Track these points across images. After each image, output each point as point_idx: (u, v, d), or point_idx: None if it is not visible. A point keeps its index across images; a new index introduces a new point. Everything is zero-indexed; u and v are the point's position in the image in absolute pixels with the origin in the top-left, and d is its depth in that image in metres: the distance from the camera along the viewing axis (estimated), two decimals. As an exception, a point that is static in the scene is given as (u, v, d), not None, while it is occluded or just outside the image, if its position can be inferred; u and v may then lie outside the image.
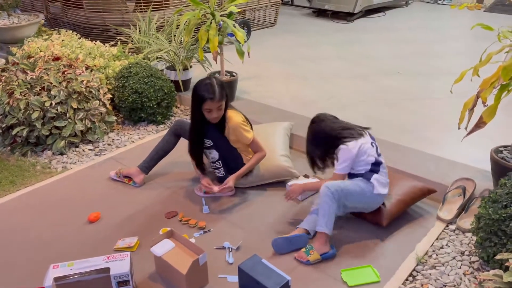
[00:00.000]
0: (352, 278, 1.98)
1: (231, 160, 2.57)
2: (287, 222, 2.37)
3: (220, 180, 2.59)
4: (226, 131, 2.49)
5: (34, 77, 3.11)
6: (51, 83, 3.06)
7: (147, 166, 2.74)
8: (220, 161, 2.57)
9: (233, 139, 2.52)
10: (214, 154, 2.55)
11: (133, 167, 2.74)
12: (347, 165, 2.18)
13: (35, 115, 2.95)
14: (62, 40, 4.00)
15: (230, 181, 2.49)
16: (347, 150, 2.16)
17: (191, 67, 3.96)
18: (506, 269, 1.58)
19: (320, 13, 7.02)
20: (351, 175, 2.24)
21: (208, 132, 2.51)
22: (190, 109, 2.54)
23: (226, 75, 3.76)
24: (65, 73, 3.15)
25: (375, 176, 2.19)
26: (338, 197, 2.09)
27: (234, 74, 3.79)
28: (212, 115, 2.40)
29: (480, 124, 2.24)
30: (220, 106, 2.40)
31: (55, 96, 3.01)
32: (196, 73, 4.15)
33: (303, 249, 2.10)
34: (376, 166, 2.20)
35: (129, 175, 2.74)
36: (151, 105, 3.41)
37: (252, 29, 5.86)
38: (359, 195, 2.17)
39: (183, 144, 3.04)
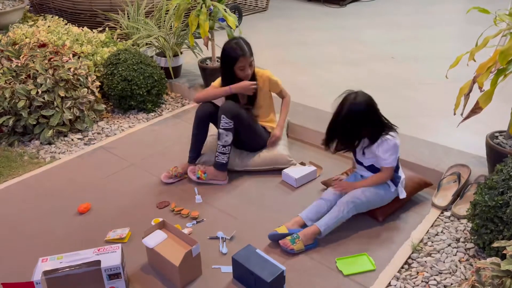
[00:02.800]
0: (347, 266, 1.96)
1: (254, 138, 2.63)
2: (281, 211, 2.34)
3: (219, 168, 2.54)
4: (261, 84, 2.60)
5: (19, 64, 3.02)
6: (37, 71, 2.97)
7: (195, 159, 2.66)
8: (230, 146, 2.51)
9: (265, 91, 2.64)
10: (229, 137, 2.48)
11: (185, 164, 2.64)
12: (396, 157, 2.13)
13: (21, 104, 2.87)
14: (48, 26, 3.89)
15: (277, 131, 2.67)
16: (396, 142, 2.09)
17: (181, 53, 3.87)
18: (503, 256, 1.56)
19: (312, -3, 6.92)
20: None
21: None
22: (221, 73, 2.59)
23: (217, 61, 3.69)
24: (52, 60, 3.06)
25: (402, 178, 2.22)
26: (355, 211, 2.13)
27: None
28: (245, 71, 2.51)
29: (476, 109, 2.21)
30: (251, 62, 2.53)
31: (41, 84, 2.93)
32: (187, 60, 4.07)
33: (289, 237, 2.06)
34: (398, 166, 2.22)
35: (186, 171, 2.61)
36: (141, 92, 3.34)
37: (243, 14, 5.76)
38: (376, 204, 2.20)
39: (174, 133, 3.00)
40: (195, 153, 2.66)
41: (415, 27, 5.40)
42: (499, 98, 2.54)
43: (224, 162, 2.53)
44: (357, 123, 2.05)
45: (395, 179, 2.21)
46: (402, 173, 2.26)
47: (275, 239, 2.10)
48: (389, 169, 2.14)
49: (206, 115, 2.60)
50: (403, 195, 2.24)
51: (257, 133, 2.63)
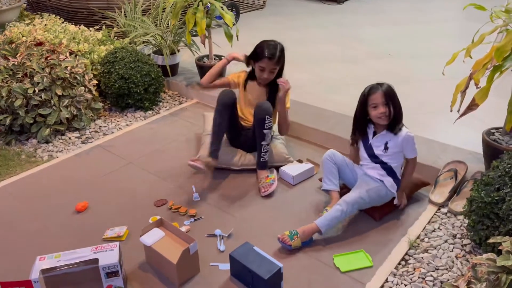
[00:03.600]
0: (344, 263, 1.97)
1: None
2: (279, 208, 2.34)
3: (266, 166, 2.56)
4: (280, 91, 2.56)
5: (16, 63, 3.01)
6: (34, 69, 2.96)
7: (216, 152, 2.53)
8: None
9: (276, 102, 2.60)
10: (270, 136, 2.52)
11: (208, 159, 2.50)
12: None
13: (18, 102, 2.86)
14: (45, 25, 3.88)
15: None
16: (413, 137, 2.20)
17: (178, 51, 3.87)
18: (499, 252, 1.57)
19: (310, -6, 6.92)
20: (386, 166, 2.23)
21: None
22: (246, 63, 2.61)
23: (214, 59, 3.68)
24: (48, 58, 3.05)
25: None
26: (357, 210, 2.18)
27: (222, 57, 3.71)
28: (263, 74, 2.50)
29: (472, 106, 2.22)
30: (274, 69, 2.50)
31: (38, 83, 2.92)
32: (184, 58, 4.06)
33: (287, 232, 2.06)
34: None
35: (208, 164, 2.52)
36: (138, 90, 3.33)
37: (240, 12, 5.75)
38: (376, 203, 2.22)
39: (172, 131, 3.00)
40: (218, 145, 2.50)
41: (412, 24, 5.40)
42: (496, 95, 2.55)
43: (268, 159, 2.56)
44: (395, 97, 2.16)
45: (398, 184, 2.24)
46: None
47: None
48: (415, 158, 2.24)
49: (231, 102, 2.50)
50: (396, 201, 2.27)
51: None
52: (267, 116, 2.43)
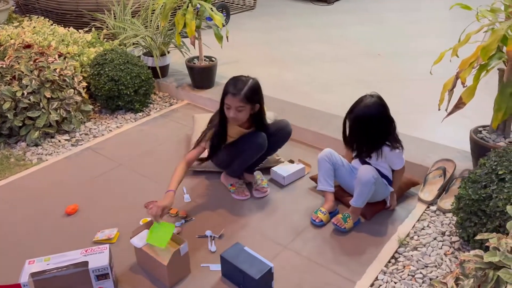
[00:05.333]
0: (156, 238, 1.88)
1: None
2: (270, 209, 2.35)
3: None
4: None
5: (4, 66, 2.99)
6: (23, 72, 2.94)
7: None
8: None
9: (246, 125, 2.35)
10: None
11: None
12: (404, 158, 2.20)
13: (6, 105, 2.84)
14: (34, 27, 3.86)
15: None
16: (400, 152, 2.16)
17: (168, 52, 3.87)
18: (486, 249, 1.58)
19: (300, -5, 6.94)
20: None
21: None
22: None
23: (205, 60, 3.68)
24: (37, 61, 3.03)
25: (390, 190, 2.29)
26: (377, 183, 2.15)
27: (213, 59, 3.71)
28: (229, 113, 2.18)
29: (459, 104, 2.24)
30: (240, 107, 2.15)
31: (27, 86, 2.90)
32: (174, 59, 4.06)
33: (340, 215, 2.17)
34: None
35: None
36: (128, 92, 3.33)
37: (231, 13, 5.76)
38: (379, 193, 2.23)
39: (163, 133, 3.00)
40: (238, 169, 2.48)
41: (401, 24, 5.45)
42: (484, 93, 2.58)
43: None
44: (377, 124, 2.08)
45: (391, 184, 2.26)
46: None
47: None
48: (403, 169, 2.23)
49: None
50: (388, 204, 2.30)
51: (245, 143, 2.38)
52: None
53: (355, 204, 2.14)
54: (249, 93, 2.16)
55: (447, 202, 2.29)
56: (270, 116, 3.01)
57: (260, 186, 2.47)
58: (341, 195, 2.35)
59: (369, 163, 2.20)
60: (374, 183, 2.08)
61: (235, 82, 2.18)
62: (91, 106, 3.30)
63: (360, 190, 2.11)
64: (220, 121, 2.26)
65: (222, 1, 5.85)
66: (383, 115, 2.09)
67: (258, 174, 2.52)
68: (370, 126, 2.07)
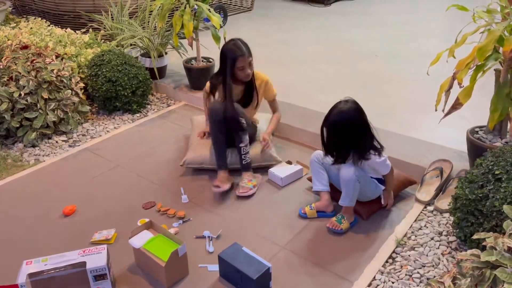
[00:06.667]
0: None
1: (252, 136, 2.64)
2: (268, 209, 2.35)
3: (250, 168, 2.55)
4: (257, 87, 2.63)
5: (1, 67, 2.98)
6: (20, 73, 2.94)
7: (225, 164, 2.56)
8: (249, 144, 2.55)
9: (260, 93, 2.66)
10: (247, 137, 2.51)
11: (221, 175, 2.51)
12: (389, 162, 2.16)
13: (3, 106, 2.83)
14: (31, 28, 3.86)
15: (266, 136, 2.62)
16: (382, 160, 2.12)
17: (166, 53, 3.87)
18: (483, 248, 1.59)
19: (297, -4, 6.96)
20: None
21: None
22: (222, 76, 2.52)
23: (202, 61, 3.69)
24: (34, 62, 3.03)
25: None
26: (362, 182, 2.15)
27: (210, 60, 3.72)
28: (246, 71, 2.50)
29: (456, 105, 2.25)
30: (251, 61, 2.52)
31: (24, 86, 2.90)
32: (172, 60, 4.06)
33: (335, 218, 2.17)
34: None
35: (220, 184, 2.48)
36: (125, 93, 3.32)
37: (228, 14, 5.77)
38: (369, 192, 2.24)
39: (160, 133, 3.00)
40: (225, 159, 2.54)
41: (398, 25, 5.47)
42: (481, 94, 2.60)
43: (249, 160, 2.55)
44: (352, 131, 2.06)
45: (382, 183, 2.26)
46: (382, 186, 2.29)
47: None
48: (391, 172, 2.19)
49: (220, 118, 2.50)
50: (383, 201, 2.30)
51: (251, 127, 2.66)
52: (240, 118, 2.46)
53: (343, 203, 2.16)
54: (247, 46, 2.53)
55: (444, 202, 2.29)
56: (268, 117, 3.02)
57: (242, 185, 2.48)
58: (338, 196, 2.35)
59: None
60: (356, 180, 2.09)
61: (236, 47, 2.49)
62: (88, 107, 3.30)
63: (344, 189, 2.13)
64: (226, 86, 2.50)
65: (220, 2, 5.86)
66: (358, 120, 2.05)
67: (247, 175, 2.53)
68: (345, 131, 2.05)
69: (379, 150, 2.11)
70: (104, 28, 4.16)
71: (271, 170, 2.60)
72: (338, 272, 1.94)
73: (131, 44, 3.88)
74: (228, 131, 2.53)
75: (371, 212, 2.27)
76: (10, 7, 4.73)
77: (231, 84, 2.52)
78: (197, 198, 2.45)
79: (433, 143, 2.71)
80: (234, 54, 2.46)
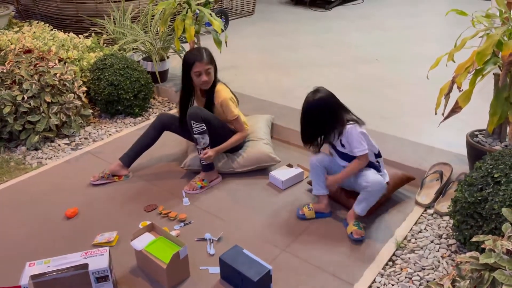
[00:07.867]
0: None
1: (221, 140, 2.58)
2: (268, 212, 2.37)
3: (209, 169, 2.57)
4: (215, 103, 2.58)
5: (4, 70, 3.01)
6: (23, 77, 2.97)
7: (128, 159, 2.68)
8: (209, 147, 2.54)
9: (218, 113, 2.59)
10: (206, 139, 2.51)
11: (115, 163, 2.66)
12: (365, 145, 2.15)
13: (6, 109, 2.86)
14: (34, 32, 3.89)
15: (210, 151, 2.51)
16: (358, 130, 2.14)
17: (168, 57, 3.90)
18: (482, 251, 1.61)
19: (298, 1, 6.99)
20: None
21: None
22: (180, 80, 2.61)
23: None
24: (37, 66, 3.06)
25: (382, 167, 2.30)
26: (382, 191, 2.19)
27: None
28: (201, 78, 2.48)
29: (456, 109, 2.27)
30: (208, 69, 2.49)
31: (27, 90, 2.93)
32: (173, 64, 4.09)
33: (355, 227, 2.15)
34: (379, 157, 2.27)
35: (114, 173, 2.65)
36: (127, 97, 3.35)
37: (229, 18, 5.80)
38: (380, 188, 2.20)
39: (162, 137, 3.00)
40: (135, 157, 2.69)
41: (398, 29, 5.49)
42: (481, 97, 2.61)
43: (207, 163, 2.56)
44: (318, 117, 2.17)
45: (373, 164, 2.24)
46: (384, 169, 2.30)
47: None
48: (363, 156, 2.16)
49: (168, 123, 2.71)
50: (387, 178, 2.30)
51: (225, 129, 2.63)
52: (192, 122, 2.47)
53: (358, 209, 2.17)
54: (210, 55, 2.54)
55: (444, 205, 2.31)
56: (268, 118, 3.04)
57: (191, 182, 2.54)
58: (345, 199, 2.36)
59: (341, 152, 2.23)
60: (385, 186, 2.15)
61: (195, 52, 2.51)
62: (90, 111, 3.33)
63: (366, 194, 2.13)
64: (184, 95, 2.62)
65: (221, 7, 5.90)
66: (324, 102, 2.17)
67: (203, 175, 2.57)
68: (316, 116, 2.16)
69: (356, 121, 2.17)
70: (107, 32, 4.20)
71: (272, 173, 2.61)
72: (338, 275, 1.95)
73: (133, 48, 3.90)
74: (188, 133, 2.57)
75: (370, 210, 2.27)
76: (13, 11, 4.77)
77: (191, 90, 2.63)
78: (199, 201, 2.47)
79: (433, 147, 2.73)
80: (192, 58, 2.48)
